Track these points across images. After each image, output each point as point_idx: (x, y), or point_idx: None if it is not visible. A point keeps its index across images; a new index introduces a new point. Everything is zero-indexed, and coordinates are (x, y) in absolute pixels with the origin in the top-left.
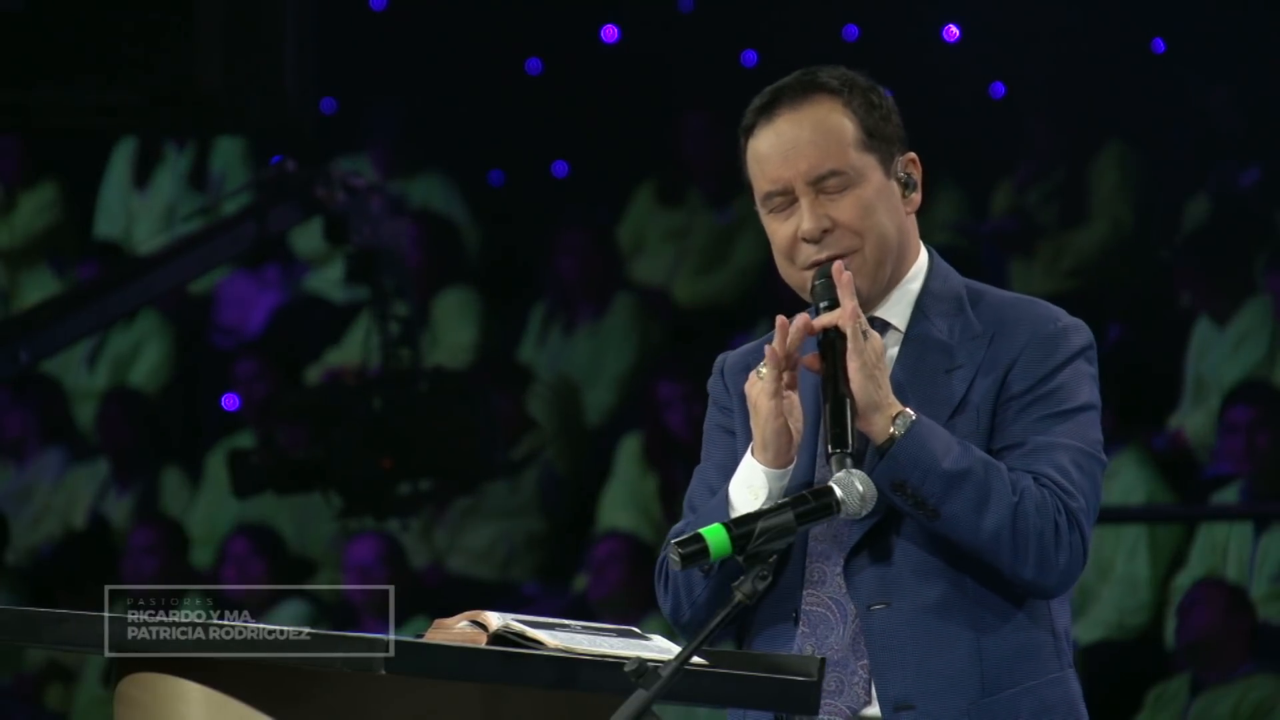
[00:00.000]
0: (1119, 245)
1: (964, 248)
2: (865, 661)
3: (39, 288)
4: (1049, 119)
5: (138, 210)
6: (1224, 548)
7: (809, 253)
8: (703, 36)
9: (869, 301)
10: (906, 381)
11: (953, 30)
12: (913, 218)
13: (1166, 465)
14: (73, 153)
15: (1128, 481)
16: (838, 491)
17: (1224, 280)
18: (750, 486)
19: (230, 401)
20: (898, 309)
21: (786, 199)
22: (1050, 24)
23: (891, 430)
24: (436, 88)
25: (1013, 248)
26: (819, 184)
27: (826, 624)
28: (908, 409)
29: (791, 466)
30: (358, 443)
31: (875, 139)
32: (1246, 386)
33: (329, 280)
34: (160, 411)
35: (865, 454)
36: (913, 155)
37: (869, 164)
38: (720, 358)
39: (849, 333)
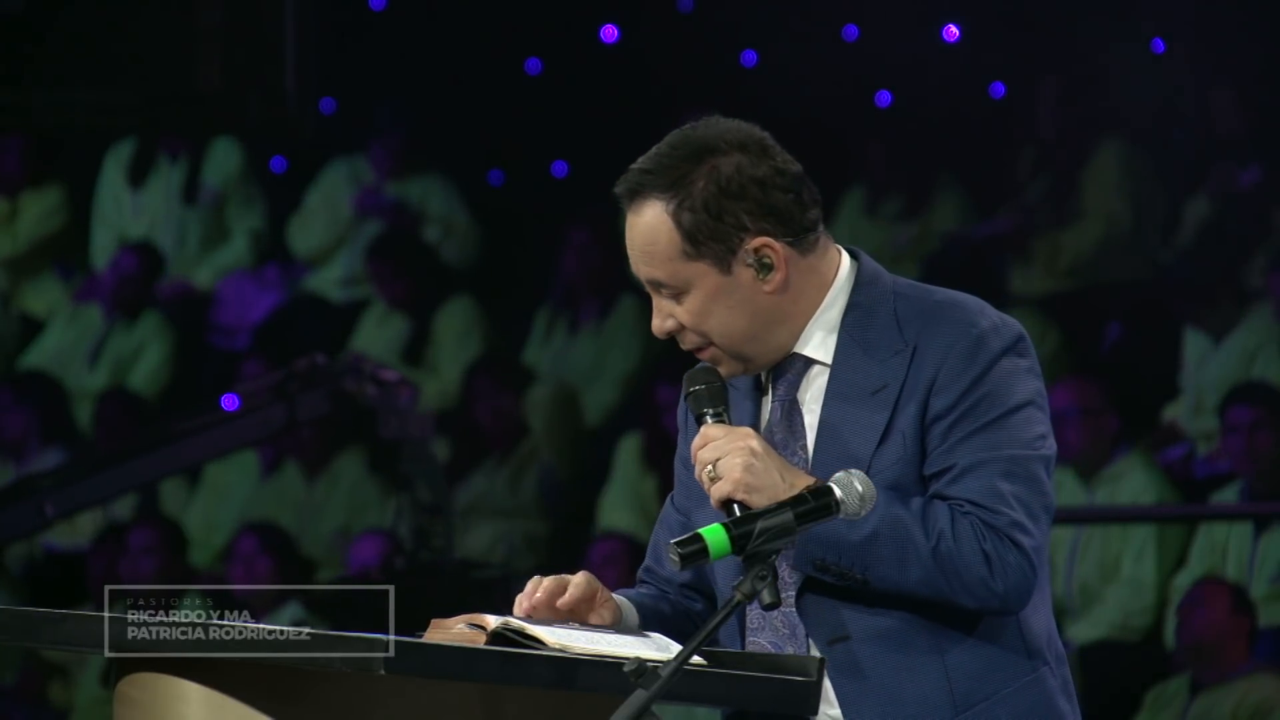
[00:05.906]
0: (1118, 245)
1: (963, 250)
2: None
3: (44, 293)
4: (1048, 119)
5: (131, 216)
6: (1224, 548)
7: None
8: (703, 36)
9: (783, 347)
10: (834, 419)
11: (953, 30)
12: (803, 266)
13: (1169, 465)
14: (76, 154)
15: (1137, 484)
16: (837, 491)
17: (1221, 290)
18: None
19: (230, 402)
20: (818, 341)
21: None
22: (1050, 24)
23: None
24: (436, 88)
25: (1011, 248)
26: (656, 288)
27: None
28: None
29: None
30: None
31: (703, 244)
32: (1246, 386)
33: (329, 280)
34: (160, 411)
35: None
36: (763, 239)
37: (697, 271)
38: (692, 371)
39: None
